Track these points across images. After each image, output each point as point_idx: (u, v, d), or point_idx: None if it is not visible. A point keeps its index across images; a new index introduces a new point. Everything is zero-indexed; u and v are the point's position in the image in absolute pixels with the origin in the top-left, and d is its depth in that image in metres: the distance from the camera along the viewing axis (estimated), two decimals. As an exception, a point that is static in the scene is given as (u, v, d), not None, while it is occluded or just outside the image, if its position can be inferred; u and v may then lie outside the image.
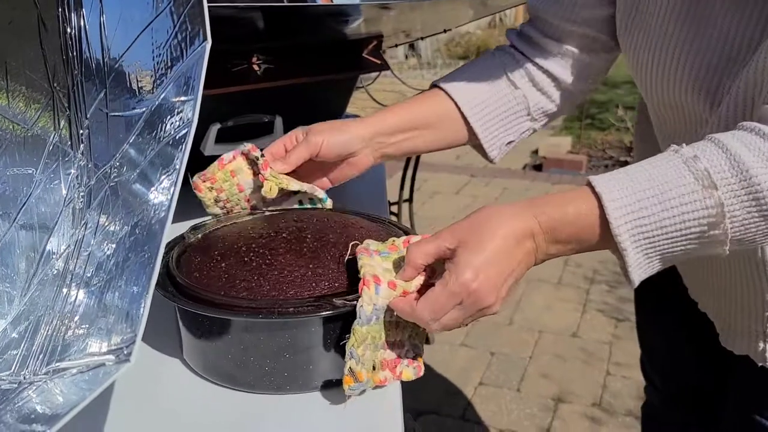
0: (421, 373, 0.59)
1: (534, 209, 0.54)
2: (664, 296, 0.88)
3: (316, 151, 0.73)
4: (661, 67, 0.64)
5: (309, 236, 0.62)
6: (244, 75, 1.06)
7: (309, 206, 0.77)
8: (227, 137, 1.04)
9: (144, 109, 0.51)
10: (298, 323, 0.54)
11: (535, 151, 3.99)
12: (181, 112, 0.47)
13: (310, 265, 0.58)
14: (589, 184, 0.54)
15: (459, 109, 0.79)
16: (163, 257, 0.64)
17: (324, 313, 0.54)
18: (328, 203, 0.76)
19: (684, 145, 0.54)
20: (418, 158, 2.53)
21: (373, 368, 0.55)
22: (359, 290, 0.53)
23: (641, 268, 0.53)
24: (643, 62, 0.67)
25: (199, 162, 0.77)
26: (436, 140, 0.80)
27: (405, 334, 0.58)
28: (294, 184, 0.73)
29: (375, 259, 0.55)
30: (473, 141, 0.81)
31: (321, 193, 0.76)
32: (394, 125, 0.78)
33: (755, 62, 0.55)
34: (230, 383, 0.57)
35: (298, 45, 1.11)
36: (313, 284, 0.57)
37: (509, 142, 0.82)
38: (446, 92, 0.79)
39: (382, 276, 0.54)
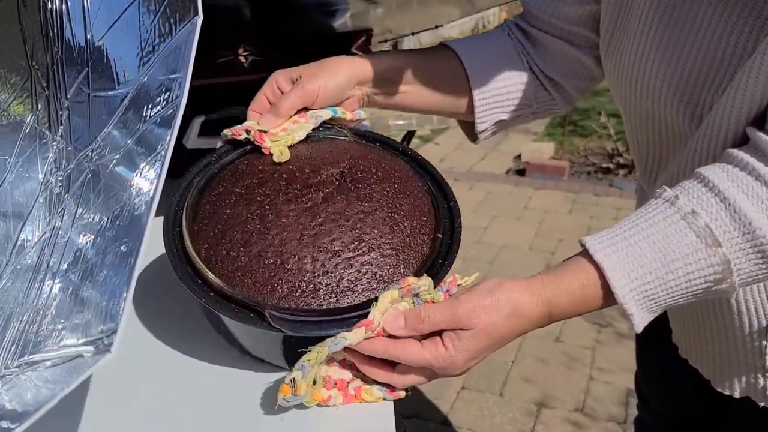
0: (397, 396, 0.54)
1: (550, 307, 0.52)
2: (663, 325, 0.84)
3: (313, 99, 0.65)
4: (641, 75, 0.62)
5: (325, 212, 0.56)
6: (230, 67, 1.04)
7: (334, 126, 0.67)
8: (211, 130, 1.01)
9: (129, 88, 0.48)
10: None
11: (518, 157, 4.00)
12: (169, 90, 0.44)
13: (295, 257, 0.53)
14: (587, 254, 0.52)
15: (463, 67, 0.72)
16: (200, 170, 0.61)
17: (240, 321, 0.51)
18: (363, 115, 0.69)
19: (678, 195, 0.52)
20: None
21: (314, 383, 0.51)
22: (359, 326, 0.50)
23: (645, 321, 0.53)
24: (624, 69, 0.64)
25: (181, 155, 0.74)
26: (430, 100, 0.73)
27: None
28: (301, 132, 0.63)
29: (402, 304, 0.52)
30: (466, 113, 0.75)
31: (346, 114, 0.67)
32: (392, 73, 0.70)
33: (742, 78, 0.52)
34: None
35: (286, 38, 1.09)
36: (279, 280, 0.52)
37: (500, 121, 0.76)
38: (454, 51, 0.73)
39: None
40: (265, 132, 0.61)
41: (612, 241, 0.52)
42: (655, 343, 0.84)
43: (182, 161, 0.72)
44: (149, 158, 0.44)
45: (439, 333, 0.51)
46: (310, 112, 0.65)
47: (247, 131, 0.62)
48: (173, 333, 0.61)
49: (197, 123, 1.02)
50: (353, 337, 0.49)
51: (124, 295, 0.37)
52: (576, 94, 0.78)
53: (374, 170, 0.61)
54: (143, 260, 0.74)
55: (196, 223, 0.55)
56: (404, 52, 0.73)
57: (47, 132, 0.54)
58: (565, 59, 0.74)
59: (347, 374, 0.53)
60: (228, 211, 0.55)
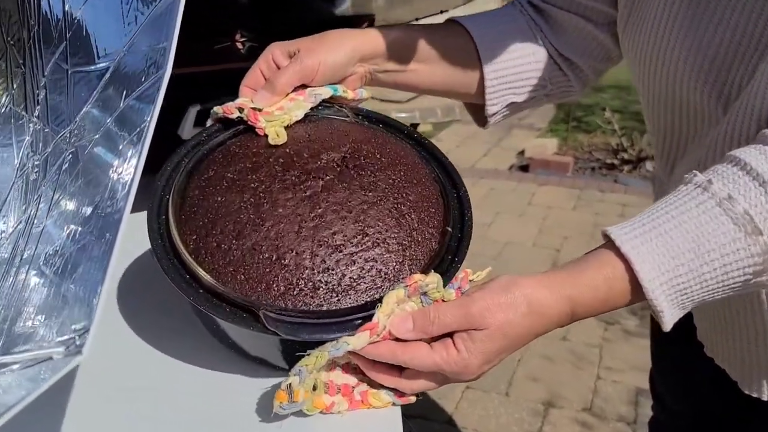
0: (407, 401, 0.50)
1: (572, 304, 0.48)
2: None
3: (312, 76, 0.60)
4: (662, 52, 0.58)
5: (326, 201, 0.51)
6: (226, 53, 0.99)
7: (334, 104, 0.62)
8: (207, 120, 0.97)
9: (110, 62, 0.44)
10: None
11: (521, 153, 3.95)
12: (153, 62, 0.39)
13: (292, 252, 0.48)
14: (613, 245, 0.47)
15: (474, 43, 0.67)
16: (188, 152, 0.56)
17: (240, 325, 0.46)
18: (365, 94, 0.64)
19: (711, 179, 0.47)
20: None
21: (314, 388, 0.47)
22: (363, 330, 0.46)
23: (675, 318, 0.48)
24: (643, 46, 0.60)
25: (176, 146, 0.70)
26: (440, 79, 0.68)
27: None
28: (299, 111, 0.58)
29: (409, 304, 0.47)
30: (477, 93, 0.70)
31: (348, 93, 0.62)
32: (399, 48, 0.65)
33: None
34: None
35: (285, 23, 1.05)
36: (275, 276, 0.47)
37: (513, 103, 0.71)
38: (464, 27, 0.68)
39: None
40: (260, 110, 0.56)
41: (640, 231, 0.47)
42: (674, 340, 0.80)
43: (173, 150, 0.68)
44: (130, 137, 0.40)
45: (450, 334, 0.47)
46: (308, 89, 0.60)
47: (240, 109, 0.57)
48: (160, 332, 0.57)
49: (193, 112, 0.98)
50: (356, 342, 0.45)
51: (99, 289, 0.33)
52: (592, 75, 0.73)
53: (378, 155, 0.56)
54: (128, 253, 0.70)
55: (183, 210, 0.51)
56: (412, 26, 0.68)
57: (23, 113, 0.50)
58: (581, 36, 0.70)
59: (351, 379, 0.49)
60: (219, 198, 0.50)
